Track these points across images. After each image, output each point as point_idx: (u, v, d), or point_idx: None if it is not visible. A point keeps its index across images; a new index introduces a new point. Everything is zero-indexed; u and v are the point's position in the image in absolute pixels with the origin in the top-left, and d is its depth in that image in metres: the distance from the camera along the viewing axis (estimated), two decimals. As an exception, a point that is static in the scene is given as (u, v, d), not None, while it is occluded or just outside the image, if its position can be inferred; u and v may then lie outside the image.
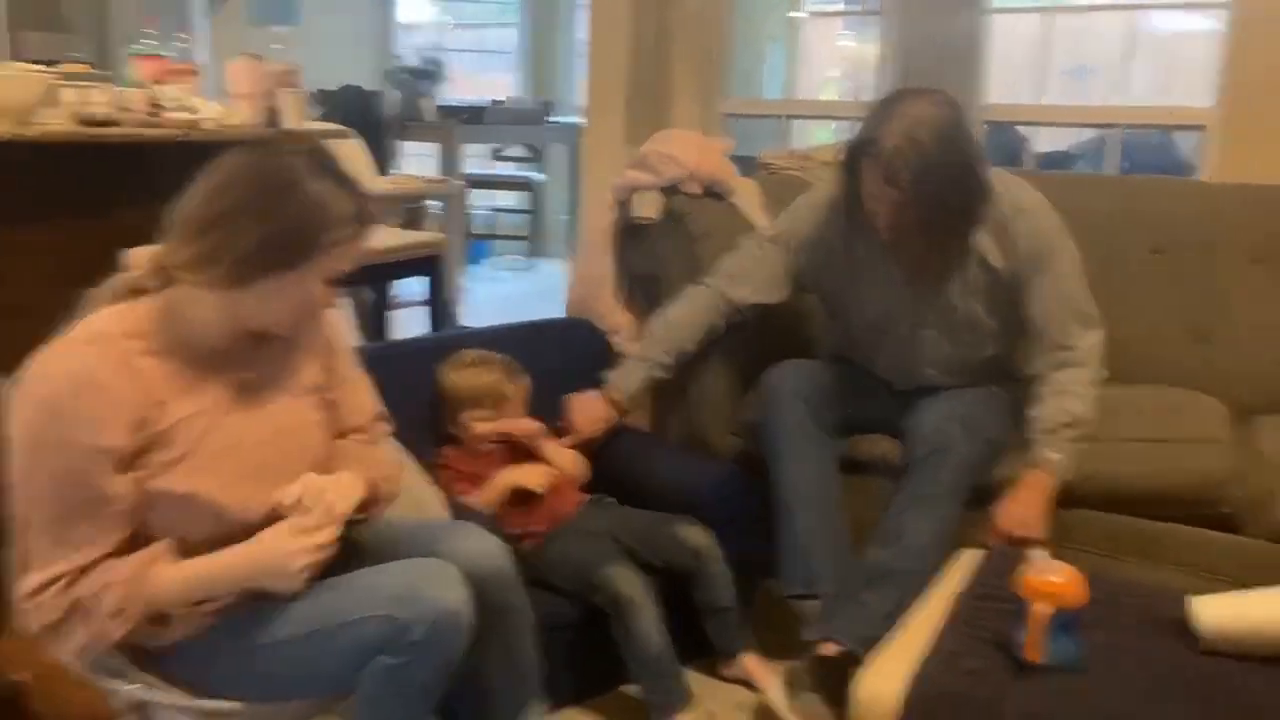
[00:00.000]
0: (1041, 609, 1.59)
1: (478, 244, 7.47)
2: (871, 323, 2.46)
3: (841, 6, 5.75)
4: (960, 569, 1.97)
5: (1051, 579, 1.63)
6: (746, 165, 3.11)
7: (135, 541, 1.49)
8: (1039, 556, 1.71)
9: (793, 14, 5.08)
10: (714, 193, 2.89)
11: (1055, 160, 4.86)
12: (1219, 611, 1.68)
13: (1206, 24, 3.57)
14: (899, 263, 2.34)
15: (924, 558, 2.11)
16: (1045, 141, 4.79)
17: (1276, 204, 2.83)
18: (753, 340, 2.62)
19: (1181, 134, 4.71)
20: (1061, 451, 2.23)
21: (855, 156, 2.22)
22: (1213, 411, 2.52)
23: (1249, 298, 2.77)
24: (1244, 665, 1.62)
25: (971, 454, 2.25)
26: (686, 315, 2.56)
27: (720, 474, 2.51)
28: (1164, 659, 1.65)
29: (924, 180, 2.11)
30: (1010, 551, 1.96)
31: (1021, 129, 4.45)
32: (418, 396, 2.40)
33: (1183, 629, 1.69)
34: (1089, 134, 4.75)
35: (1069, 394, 2.25)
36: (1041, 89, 4.48)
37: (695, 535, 2.27)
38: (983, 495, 2.25)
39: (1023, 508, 2.19)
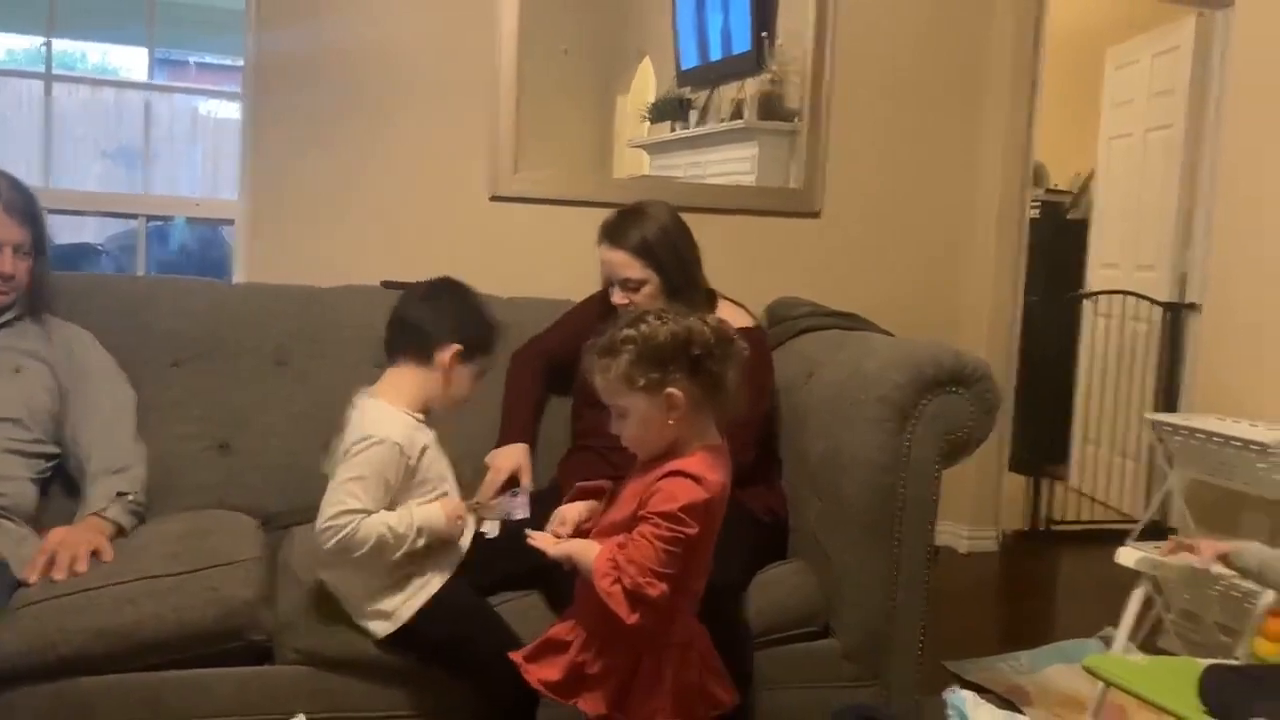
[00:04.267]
0: None
1: None
2: None
3: None
4: None
5: None
6: None
7: None
8: None
9: None
10: None
11: (78, 254, 4.03)
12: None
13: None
14: None
15: None
16: (67, 231, 4.00)
17: (295, 303, 2.50)
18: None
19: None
20: None
21: None
22: (242, 530, 2.09)
23: (272, 403, 2.38)
24: None
25: None
26: None
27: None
28: None
29: None
30: None
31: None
32: None
33: None
34: (129, 225, 4.09)
35: None
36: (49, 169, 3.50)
37: None
38: None
39: None
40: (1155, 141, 4.52)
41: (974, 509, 3.81)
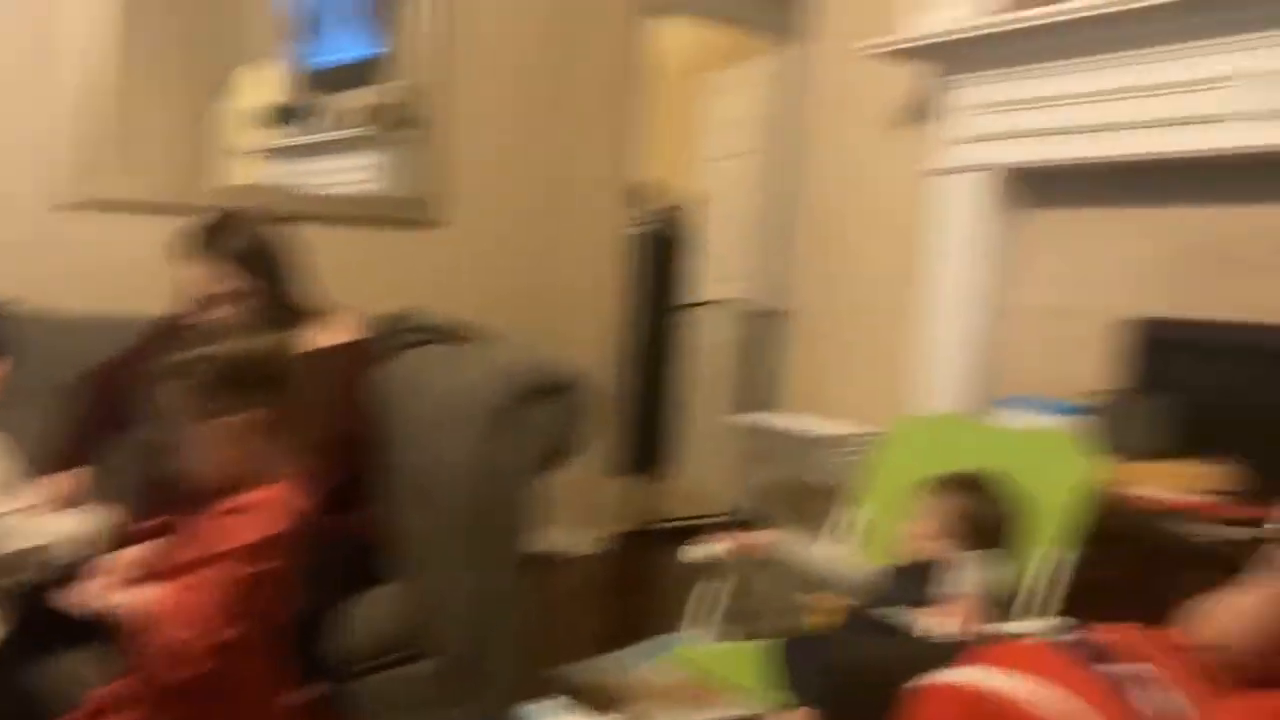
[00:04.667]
0: None
1: None
2: None
3: None
4: None
5: None
6: None
7: None
8: None
9: None
10: None
11: None
12: None
13: None
14: None
15: None
16: None
17: None
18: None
19: None
20: None
21: None
22: None
23: None
24: None
25: None
26: None
27: None
28: None
29: None
30: None
31: None
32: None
33: None
34: None
35: None
36: None
37: None
38: None
39: None
40: (749, 163, 4.86)
41: (582, 513, 3.87)
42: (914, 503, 2.14)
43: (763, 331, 4.45)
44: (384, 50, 3.40)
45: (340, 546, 2.02)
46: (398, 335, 2.55)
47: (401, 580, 2.11)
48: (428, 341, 2.52)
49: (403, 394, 2.28)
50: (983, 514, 2.07)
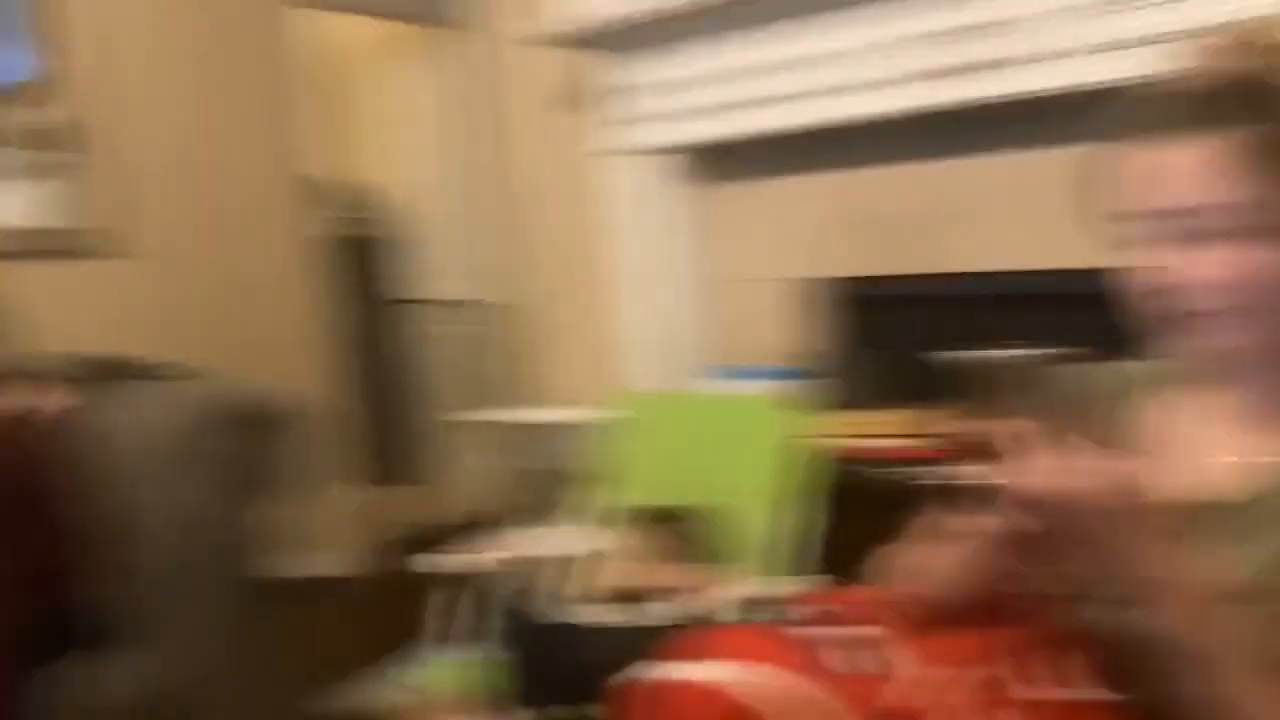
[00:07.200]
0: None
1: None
2: None
3: None
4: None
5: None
6: None
7: None
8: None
9: None
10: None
11: None
12: None
13: None
14: None
15: None
16: None
17: None
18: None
19: None
20: None
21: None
22: None
23: None
24: None
25: None
26: None
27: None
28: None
29: None
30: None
31: None
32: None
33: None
34: None
35: None
36: None
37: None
38: None
39: None
40: (443, 157, 4.62)
41: (345, 530, 3.65)
42: (626, 532, 2.16)
43: (491, 326, 4.30)
44: (36, 72, 3.00)
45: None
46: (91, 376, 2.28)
47: (132, 645, 1.88)
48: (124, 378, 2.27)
49: (97, 439, 2.04)
50: (687, 548, 2.10)
